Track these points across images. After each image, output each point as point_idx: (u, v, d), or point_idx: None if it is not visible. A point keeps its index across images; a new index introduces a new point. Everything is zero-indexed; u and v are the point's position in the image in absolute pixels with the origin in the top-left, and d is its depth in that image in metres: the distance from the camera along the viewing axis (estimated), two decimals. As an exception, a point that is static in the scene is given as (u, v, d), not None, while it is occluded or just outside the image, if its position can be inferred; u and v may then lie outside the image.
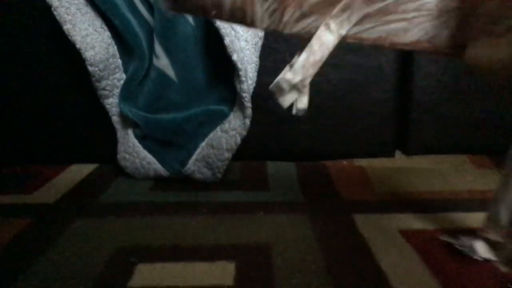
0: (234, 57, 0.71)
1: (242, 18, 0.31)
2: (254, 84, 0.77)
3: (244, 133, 0.73)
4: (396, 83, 0.87)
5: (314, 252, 0.53)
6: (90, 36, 0.74)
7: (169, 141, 0.78)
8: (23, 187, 0.75)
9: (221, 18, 0.32)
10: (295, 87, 0.32)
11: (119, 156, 0.80)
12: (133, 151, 0.79)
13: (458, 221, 0.60)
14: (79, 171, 0.83)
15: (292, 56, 0.84)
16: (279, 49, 0.82)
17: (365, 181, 0.77)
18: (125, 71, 0.80)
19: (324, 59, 0.32)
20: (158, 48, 0.76)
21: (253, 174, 0.81)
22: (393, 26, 0.31)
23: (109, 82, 0.77)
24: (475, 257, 0.50)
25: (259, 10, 0.30)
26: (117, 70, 0.78)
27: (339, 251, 0.53)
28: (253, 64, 0.77)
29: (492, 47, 0.26)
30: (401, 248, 0.53)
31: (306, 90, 0.33)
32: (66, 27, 0.73)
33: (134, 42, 0.77)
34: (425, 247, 0.53)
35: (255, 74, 0.78)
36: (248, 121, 0.73)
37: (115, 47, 0.78)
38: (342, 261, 0.51)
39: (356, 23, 0.31)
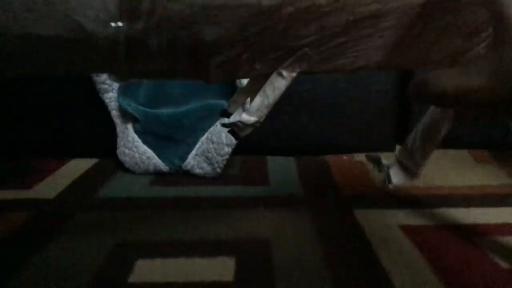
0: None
1: (199, 77, 0.34)
2: (254, 79, 0.77)
3: (244, 127, 0.73)
4: (396, 76, 0.86)
5: (314, 247, 0.52)
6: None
7: (169, 135, 0.78)
8: (23, 181, 0.75)
9: (177, 78, 0.35)
10: (250, 125, 0.36)
11: (118, 150, 0.79)
12: (132, 145, 0.78)
13: (458, 217, 0.60)
14: (79, 165, 0.82)
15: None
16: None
17: (365, 176, 0.77)
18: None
19: (277, 99, 0.35)
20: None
21: (253, 168, 0.81)
22: (340, 62, 0.35)
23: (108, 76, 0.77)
24: (389, 186, 0.54)
25: (213, 73, 0.33)
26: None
27: (339, 246, 0.53)
28: (253, 59, 0.77)
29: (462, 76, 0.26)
30: (401, 244, 0.53)
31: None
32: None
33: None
34: (425, 243, 0.53)
35: (255, 68, 0.77)
36: (248, 116, 0.73)
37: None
38: (342, 256, 0.51)
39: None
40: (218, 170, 0.76)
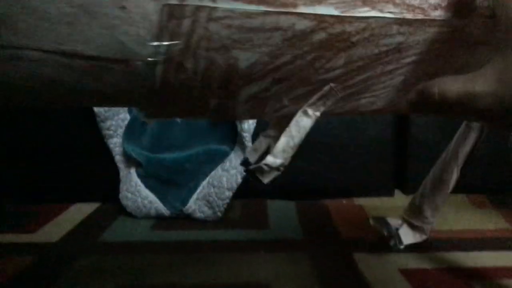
0: (235, 98, 0.73)
1: (225, 116, 0.33)
2: (254, 124, 0.79)
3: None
4: (393, 119, 0.88)
5: (315, 291, 0.53)
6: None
7: (171, 180, 0.79)
8: (26, 225, 0.76)
9: (202, 118, 0.34)
10: (275, 169, 0.34)
11: (121, 195, 0.80)
12: (135, 190, 0.79)
13: (457, 260, 0.61)
14: (81, 210, 0.83)
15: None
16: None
17: (364, 220, 0.77)
18: (129, 112, 0.82)
19: (302, 139, 0.34)
20: (162, 90, 0.78)
21: (253, 212, 0.81)
22: (362, 101, 0.35)
23: (113, 123, 0.79)
24: (400, 247, 0.57)
25: (240, 110, 0.33)
26: (121, 110, 0.81)
27: (339, 290, 0.53)
28: (254, 105, 0.79)
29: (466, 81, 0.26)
30: (401, 287, 0.53)
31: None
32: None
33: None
34: (425, 286, 0.53)
35: (256, 114, 0.80)
36: (248, 161, 0.74)
37: (120, 88, 0.81)
38: (342, 300, 0.51)
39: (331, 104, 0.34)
40: (219, 214, 0.77)
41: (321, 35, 0.30)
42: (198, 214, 0.78)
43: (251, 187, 0.80)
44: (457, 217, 0.78)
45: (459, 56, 0.33)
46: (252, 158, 0.37)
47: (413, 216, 0.56)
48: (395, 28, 0.31)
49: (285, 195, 0.88)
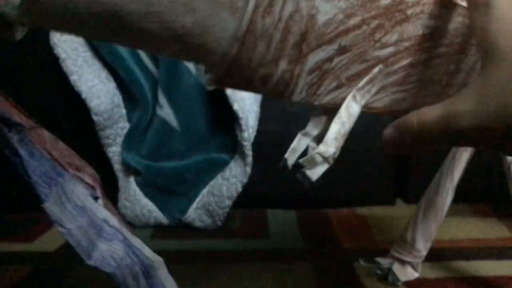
0: (235, 106, 0.73)
1: (284, 90, 0.30)
2: (254, 133, 0.79)
3: (245, 180, 0.74)
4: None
5: (315, 301, 0.52)
6: (96, 87, 0.76)
7: (170, 188, 0.79)
8: (24, 234, 0.75)
9: (261, 91, 0.31)
10: (326, 160, 0.31)
11: (119, 204, 0.80)
12: (134, 199, 0.79)
13: (458, 269, 0.60)
14: (80, 219, 0.82)
15: (291, 105, 0.86)
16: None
17: (366, 229, 0.77)
18: (129, 120, 0.82)
19: (351, 128, 0.32)
20: (162, 99, 0.78)
21: (254, 222, 0.81)
22: (396, 96, 0.33)
23: (112, 131, 0.79)
24: (398, 283, 0.55)
25: (302, 83, 0.30)
26: (121, 119, 0.80)
27: (341, 300, 0.52)
28: (254, 113, 0.79)
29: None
30: (403, 297, 0.53)
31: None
32: (73, 78, 0.75)
33: (138, 92, 0.79)
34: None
35: (256, 123, 0.79)
36: (248, 169, 0.74)
37: (120, 97, 0.81)
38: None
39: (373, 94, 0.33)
40: (219, 223, 0.76)
41: (387, 1, 0.28)
42: (198, 223, 0.77)
43: (251, 196, 0.80)
44: (459, 226, 0.77)
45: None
46: (291, 159, 0.35)
47: (403, 252, 0.55)
48: (437, 9, 0.29)
49: (286, 205, 0.87)
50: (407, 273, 0.55)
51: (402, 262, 0.55)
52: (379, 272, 0.57)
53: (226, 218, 0.77)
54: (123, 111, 0.81)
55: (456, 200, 0.89)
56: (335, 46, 0.29)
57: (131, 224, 0.79)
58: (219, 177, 0.78)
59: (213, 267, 0.62)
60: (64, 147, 0.40)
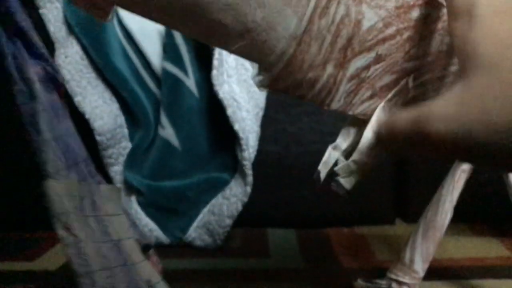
0: (236, 126, 0.74)
1: (326, 96, 0.31)
2: (255, 153, 0.80)
3: (245, 199, 0.75)
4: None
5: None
6: (99, 108, 0.78)
7: (172, 208, 0.79)
8: (24, 253, 0.75)
9: (307, 97, 0.31)
10: (360, 169, 0.32)
11: (121, 223, 0.80)
12: (135, 218, 0.79)
13: (459, 289, 0.61)
14: (81, 238, 0.83)
15: (292, 126, 0.87)
16: (279, 119, 0.85)
17: (366, 249, 0.77)
18: (131, 140, 0.83)
19: None
20: (164, 119, 0.79)
21: (254, 241, 0.81)
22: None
23: (115, 151, 0.80)
24: None
25: (342, 89, 0.31)
26: (123, 139, 0.81)
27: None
28: (254, 133, 0.80)
29: None
30: (402, 316, 0.53)
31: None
32: (77, 99, 0.77)
33: (141, 113, 0.80)
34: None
35: (256, 142, 0.80)
36: (249, 188, 0.75)
37: (123, 117, 0.82)
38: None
39: None
40: (219, 242, 0.77)
41: (416, 12, 0.29)
42: (198, 242, 0.77)
43: (251, 215, 0.80)
44: (458, 245, 0.77)
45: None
46: (323, 171, 0.36)
47: (401, 274, 0.55)
48: None
49: (286, 224, 0.88)
50: None
51: (400, 284, 0.55)
52: None
53: (227, 237, 0.77)
54: (126, 131, 0.82)
55: (454, 219, 0.90)
56: (373, 54, 0.30)
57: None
58: (219, 196, 0.78)
59: (214, 286, 0.62)
60: None
